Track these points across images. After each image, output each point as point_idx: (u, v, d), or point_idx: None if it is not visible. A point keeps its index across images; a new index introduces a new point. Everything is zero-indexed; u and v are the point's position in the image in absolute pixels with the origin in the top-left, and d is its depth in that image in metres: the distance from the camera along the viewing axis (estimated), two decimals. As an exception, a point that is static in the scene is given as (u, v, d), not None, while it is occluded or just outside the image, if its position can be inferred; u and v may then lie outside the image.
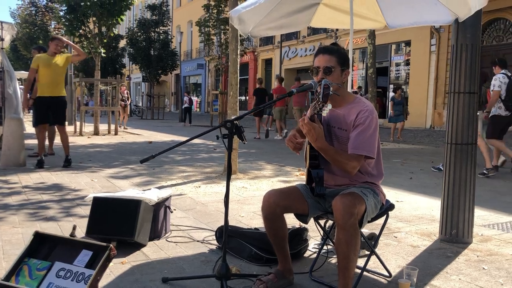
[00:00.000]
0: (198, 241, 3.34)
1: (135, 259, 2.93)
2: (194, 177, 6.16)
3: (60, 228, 3.57)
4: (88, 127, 14.47)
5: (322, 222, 2.85)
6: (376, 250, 2.85)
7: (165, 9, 30.42)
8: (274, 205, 2.43)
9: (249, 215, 4.11)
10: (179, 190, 5.23)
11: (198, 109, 38.73)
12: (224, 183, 5.58)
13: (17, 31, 26.24)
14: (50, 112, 6.77)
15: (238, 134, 2.40)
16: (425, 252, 3.20)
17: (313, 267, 2.75)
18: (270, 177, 6.33)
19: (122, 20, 13.70)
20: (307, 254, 3.11)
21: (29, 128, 13.45)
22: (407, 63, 20.16)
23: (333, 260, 2.96)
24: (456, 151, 3.37)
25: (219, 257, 2.50)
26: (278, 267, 2.57)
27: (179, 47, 27.59)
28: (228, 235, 2.83)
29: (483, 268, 2.88)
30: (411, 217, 4.18)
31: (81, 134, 12.92)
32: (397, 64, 21.11)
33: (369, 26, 4.55)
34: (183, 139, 12.31)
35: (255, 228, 3.22)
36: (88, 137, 12.35)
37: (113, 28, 13.90)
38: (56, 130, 7.07)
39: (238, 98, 6.38)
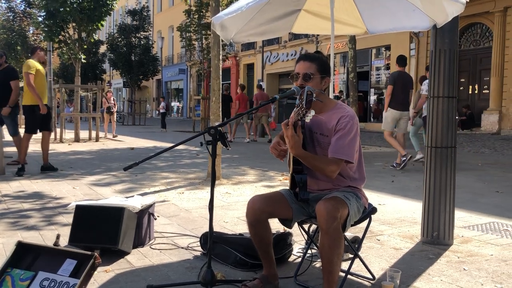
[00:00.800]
0: (182, 247, 3.33)
1: (119, 267, 2.91)
2: (177, 184, 6.13)
3: (42, 237, 3.52)
4: (69, 134, 14.28)
5: (306, 226, 2.88)
6: (360, 253, 2.88)
7: (145, 14, 30.27)
8: (258, 211, 2.45)
9: (233, 221, 4.11)
10: (163, 196, 5.21)
11: (180, 115, 38.59)
12: (208, 189, 5.57)
13: (-6, 37, 25.80)
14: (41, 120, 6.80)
15: (222, 140, 2.41)
16: (408, 255, 3.25)
17: (297, 271, 2.76)
18: (254, 182, 6.34)
19: (102, 25, 13.59)
20: (291, 258, 3.13)
21: (8, 136, 13.20)
22: (387, 67, 20.46)
23: (318, 264, 2.98)
24: (436, 154, 3.44)
25: (204, 264, 2.50)
26: (263, 272, 2.58)
27: (160, 52, 27.54)
28: (213, 241, 2.83)
29: (464, 269, 2.94)
30: (393, 220, 4.23)
31: (61, 141, 12.74)
32: (378, 68, 21.41)
33: (349, 32, 4.62)
34: (166, 145, 12.25)
35: (240, 234, 3.22)
36: (69, 144, 12.19)
37: (93, 34, 13.78)
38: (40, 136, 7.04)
39: (221, 103, 6.38)
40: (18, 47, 24.34)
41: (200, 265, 2.91)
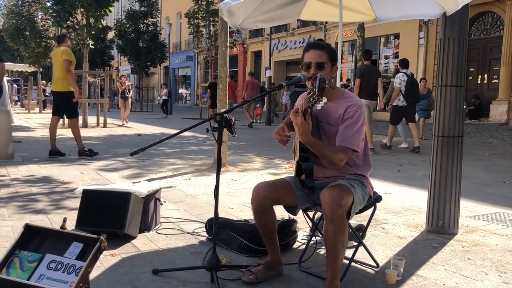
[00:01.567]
0: (188, 233, 3.36)
1: (125, 251, 2.94)
2: (184, 170, 6.16)
3: (50, 221, 3.57)
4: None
5: (310, 213, 2.89)
6: (364, 241, 2.90)
7: (153, 0, 30.14)
8: (263, 198, 2.46)
9: (238, 207, 4.14)
10: (169, 182, 5.24)
11: (188, 102, 38.60)
12: (214, 176, 5.59)
13: (3, 22, 25.86)
14: None
15: (227, 127, 2.41)
16: (412, 243, 3.26)
17: (302, 258, 2.78)
18: (260, 169, 6.36)
19: (110, 11, 13.55)
20: (296, 245, 3.15)
21: (17, 121, 13.28)
22: (396, 56, 20.26)
23: (322, 251, 3.00)
24: (443, 143, 3.42)
25: (209, 249, 2.53)
26: (267, 258, 2.61)
27: (168, 39, 27.43)
28: (218, 227, 2.85)
29: (468, 258, 2.94)
30: (399, 209, 4.24)
31: (69, 126, 12.79)
32: (386, 57, 21.23)
33: (358, 19, 4.58)
34: (173, 131, 12.27)
35: (245, 220, 3.25)
36: (77, 130, 12.25)
37: (101, 20, 13.75)
38: (66, 123, 7.49)
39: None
40: (27, 32, 24.32)
41: (205, 250, 2.93)
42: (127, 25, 29.34)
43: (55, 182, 5.11)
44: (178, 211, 3.98)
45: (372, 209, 2.65)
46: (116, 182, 4.80)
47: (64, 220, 1.98)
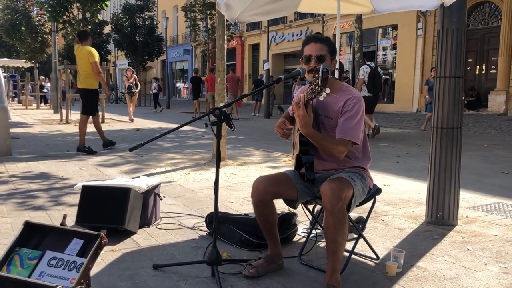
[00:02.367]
0: (188, 227, 3.36)
1: (125, 246, 2.95)
2: (183, 164, 6.16)
3: (50, 217, 3.57)
4: (75, 115, 14.33)
5: (310, 207, 2.89)
6: (364, 233, 2.90)
7: (150, -6, 30.00)
8: (263, 192, 2.46)
9: (238, 201, 4.14)
10: (168, 177, 5.24)
11: (185, 95, 38.51)
12: (213, 170, 5.60)
13: (-2, 17, 25.66)
14: None
15: (226, 121, 2.41)
16: (412, 235, 3.27)
17: (302, 251, 2.79)
18: (259, 163, 6.36)
19: (106, 5, 13.50)
20: (296, 238, 3.15)
21: (14, 117, 13.25)
22: (394, 47, 20.23)
23: (322, 244, 3.01)
24: (442, 135, 3.42)
25: (209, 243, 2.53)
26: (268, 252, 2.61)
27: (165, 33, 27.29)
28: (218, 221, 2.85)
29: (468, 249, 2.95)
30: (398, 201, 4.24)
31: (67, 122, 12.79)
32: (384, 48, 21.18)
33: (356, 11, 4.57)
34: (171, 126, 12.26)
35: (245, 214, 3.25)
36: (75, 125, 12.23)
37: (98, 14, 13.71)
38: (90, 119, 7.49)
39: (226, 84, 6.35)
40: (23, 28, 24.22)
41: (205, 245, 2.94)
42: (124, 19, 29.21)
43: (54, 178, 5.10)
44: (178, 206, 3.98)
45: (372, 201, 2.65)
46: (115, 177, 4.79)
47: (64, 216, 1.98)
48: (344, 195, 2.23)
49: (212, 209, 3.14)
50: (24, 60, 25.59)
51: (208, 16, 20.32)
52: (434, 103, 3.48)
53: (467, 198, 4.28)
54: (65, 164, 6.02)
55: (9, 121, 7.00)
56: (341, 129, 2.38)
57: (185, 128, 11.57)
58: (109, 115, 15.73)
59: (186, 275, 2.49)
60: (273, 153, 7.32)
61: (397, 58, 19.84)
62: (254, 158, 6.78)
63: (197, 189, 4.62)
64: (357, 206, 2.48)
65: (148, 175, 5.12)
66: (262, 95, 18.62)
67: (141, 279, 2.45)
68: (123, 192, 3.12)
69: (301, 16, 24.40)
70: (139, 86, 15.87)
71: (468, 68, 16.87)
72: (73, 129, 11.25)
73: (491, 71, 16.67)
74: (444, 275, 2.53)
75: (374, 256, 2.76)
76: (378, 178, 5.08)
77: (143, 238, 3.11)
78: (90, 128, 7.53)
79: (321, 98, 2.15)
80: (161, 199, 3.64)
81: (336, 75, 3.32)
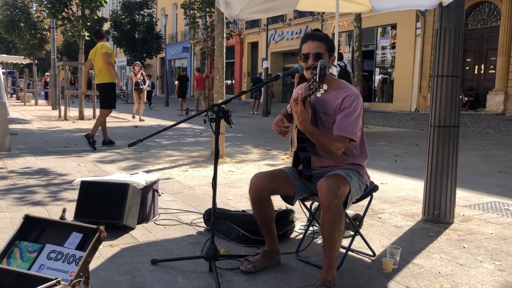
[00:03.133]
0: (186, 223, 3.38)
1: (124, 242, 2.96)
2: (181, 161, 6.17)
3: (48, 212, 3.58)
4: (73, 112, 14.32)
5: (308, 203, 2.91)
6: (361, 230, 2.92)
7: (149, -9, 29.97)
8: (261, 188, 2.48)
9: (236, 198, 4.16)
10: (167, 174, 5.26)
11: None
12: (211, 167, 5.62)
13: (-3, 13, 25.59)
14: None
15: (225, 118, 2.42)
16: (408, 232, 3.29)
17: (299, 247, 2.81)
18: (257, 160, 6.37)
19: (105, 2, 13.47)
20: (293, 235, 3.17)
21: (13, 113, 13.24)
22: (393, 46, 20.26)
23: (319, 240, 3.03)
24: (439, 133, 3.44)
25: (207, 239, 2.55)
26: (265, 248, 2.63)
27: (164, 30, 27.29)
28: (216, 218, 2.87)
29: (464, 246, 2.98)
30: (395, 199, 4.27)
31: (65, 118, 12.79)
32: (383, 48, 21.21)
33: (355, 10, 4.58)
34: (169, 123, 12.27)
35: (243, 211, 3.27)
36: (73, 122, 12.24)
37: (97, 11, 13.67)
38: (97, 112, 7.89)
39: (225, 82, 6.37)
40: (22, 24, 24.16)
41: (203, 241, 2.96)
42: (123, 16, 29.19)
43: (53, 174, 5.11)
44: (176, 202, 4.00)
45: (368, 198, 2.67)
46: (114, 173, 4.80)
47: (64, 210, 1.99)
48: (341, 191, 2.25)
49: (210, 206, 3.16)
50: (23, 57, 25.52)
51: (208, 14, 20.30)
52: (431, 101, 3.51)
53: (463, 197, 4.31)
54: (64, 160, 6.03)
55: (8, 117, 7.00)
56: (339, 126, 2.40)
57: (183, 125, 11.58)
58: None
59: (184, 270, 2.51)
60: (271, 151, 7.34)
61: (396, 57, 19.87)
62: (252, 156, 6.79)
63: (195, 186, 4.63)
64: (354, 203, 2.50)
65: (146, 172, 5.13)
66: (260, 93, 18.64)
67: (139, 273, 2.47)
68: (122, 188, 3.14)
69: (300, 14, 24.42)
70: (147, 82, 15.14)
71: (467, 68, 16.91)
72: (72, 125, 11.26)
73: (489, 71, 16.72)
74: (439, 272, 2.55)
75: (371, 253, 2.78)
76: (375, 176, 5.11)
77: (141, 234, 3.13)
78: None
79: (318, 94, 2.16)
80: (160, 195, 3.66)
81: (335, 71, 3.34)
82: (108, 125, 8.17)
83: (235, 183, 4.83)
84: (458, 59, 3.39)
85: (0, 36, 29.95)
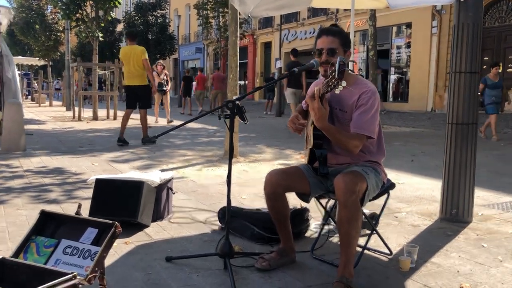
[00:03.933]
0: (200, 222, 3.37)
1: (138, 239, 2.96)
2: (194, 161, 6.18)
3: (63, 210, 3.60)
4: (87, 112, 14.44)
5: (323, 201, 2.88)
6: (377, 229, 2.88)
7: (162, -8, 30.13)
8: (276, 184, 2.46)
9: (250, 197, 4.14)
10: (180, 173, 5.26)
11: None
12: (225, 167, 5.59)
13: (13, 15, 25.99)
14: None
15: (239, 114, 2.40)
16: (426, 231, 3.24)
17: (314, 245, 2.78)
18: (271, 160, 6.35)
19: (119, 3, 13.57)
20: (308, 234, 3.14)
21: (27, 114, 13.40)
22: (408, 45, 20.04)
23: (335, 239, 2.99)
24: (457, 131, 3.38)
25: (221, 237, 2.53)
26: (280, 245, 2.61)
27: (177, 31, 27.41)
28: (231, 216, 2.85)
29: (483, 245, 2.92)
30: (412, 198, 4.21)
31: (80, 119, 12.90)
32: (398, 47, 21.00)
33: (370, 6, 4.53)
34: (180, 122, 12.29)
35: (257, 209, 3.24)
36: (87, 122, 12.34)
37: (111, 12, 13.78)
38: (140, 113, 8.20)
39: (238, 81, 6.35)
40: (37, 26, 24.50)
41: (217, 239, 2.93)
42: (136, 18, 29.37)
43: (67, 173, 5.15)
44: (190, 201, 3.99)
45: (385, 196, 2.63)
46: (128, 172, 4.82)
47: (79, 206, 1.99)
48: (358, 188, 2.21)
49: (224, 204, 3.15)
50: (38, 58, 25.87)
51: (220, 14, 20.35)
52: (449, 98, 3.45)
53: (482, 196, 4.23)
54: (78, 160, 6.08)
55: (23, 117, 7.09)
56: (356, 123, 2.35)
57: (197, 125, 11.60)
58: (121, 112, 15.76)
59: (198, 268, 2.50)
60: (285, 151, 7.31)
61: (411, 56, 19.66)
62: (266, 155, 6.77)
63: (209, 185, 4.62)
64: (370, 200, 2.46)
65: (160, 171, 5.14)
66: (274, 94, 18.60)
67: (154, 270, 2.46)
68: (136, 186, 3.14)
69: (314, 13, 24.31)
70: (170, 83, 13.79)
71: (484, 67, 16.66)
72: (86, 125, 11.35)
73: (508, 70, 16.44)
74: (458, 271, 2.50)
75: (387, 252, 2.74)
76: (391, 176, 4.99)
77: (155, 232, 3.13)
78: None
79: (337, 91, 2.13)
80: (174, 194, 3.66)
81: (351, 67, 3.30)
82: (128, 124, 8.37)
83: (249, 182, 4.81)
84: (476, 55, 3.33)
85: (16, 38, 30.41)
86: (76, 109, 13.45)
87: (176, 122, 12.23)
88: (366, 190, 2.31)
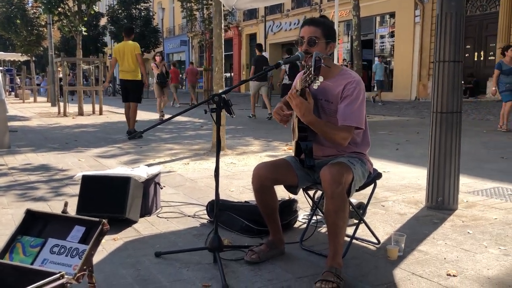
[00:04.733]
0: (189, 216, 3.37)
1: (127, 235, 2.95)
2: (182, 154, 6.15)
3: (50, 208, 3.57)
4: (72, 108, 14.28)
5: (311, 193, 2.90)
6: (365, 218, 2.91)
7: (145, -15, 29.79)
8: (263, 178, 2.46)
9: (238, 190, 4.14)
10: (168, 167, 5.24)
11: (183, 87, 38.41)
12: (213, 160, 5.59)
13: (-7, 10, 25.46)
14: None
15: (226, 107, 2.39)
16: (412, 219, 3.28)
17: (303, 236, 2.79)
18: (258, 152, 6.35)
19: (102, -4, 13.37)
20: (297, 225, 3.16)
21: (12, 110, 13.21)
22: (392, 35, 20.15)
23: (323, 229, 3.02)
24: (441, 119, 3.42)
25: (211, 230, 2.53)
26: (269, 238, 2.62)
27: (161, 24, 27.18)
28: (219, 209, 2.85)
29: (468, 232, 2.96)
30: (398, 187, 4.25)
31: (65, 114, 12.75)
32: (382, 37, 21.10)
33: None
34: (167, 116, 12.22)
35: (245, 202, 3.25)
36: (73, 118, 12.21)
37: (93, 6, 13.58)
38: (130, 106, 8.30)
39: (224, 74, 6.33)
40: (18, 21, 24.05)
41: (207, 232, 2.94)
42: (120, 11, 29.01)
43: (54, 170, 5.09)
44: (178, 195, 3.98)
45: (372, 186, 2.65)
46: (115, 168, 4.78)
47: (66, 204, 1.97)
48: (344, 179, 2.22)
49: (212, 198, 3.14)
50: (20, 54, 25.43)
51: (205, 6, 20.18)
52: (433, 88, 3.48)
53: (467, 183, 4.29)
54: (64, 156, 6.02)
55: (7, 114, 6.98)
56: (343, 115, 2.35)
57: (183, 118, 11.55)
58: (107, 107, 15.65)
59: (188, 262, 2.50)
60: (272, 142, 7.32)
61: (395, 46, 19.77)
62: (253, 148, 6.77)
63: (197, 179, 4.62)
64: (357, 190, 2.47)
65: (147, 166, 5.11)
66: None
67: (143, 266, 2.46)
68: (123, 181, 3.12)
69: (298, 4, 24.28)
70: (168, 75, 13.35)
71: (466, 55, 16.81)
72: (71, 121, 11.23)
73: (489, 58, 16.63)
74: (445, 258, 2.54)
75: (375, 241, 2.77)
76: (377, 165, 5.05)
77: (144, 227, 3.12)
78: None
79: (315, 86, 2.12)
80: (162, 188, 3.64)
81: (335, 61, 3.30)
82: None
83: (236, 175, 4.81)
84: (459, 44, 3.35)
85: (-4, 34, 29.82)
86: (62, 104, 13.28)
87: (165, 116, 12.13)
88: (352, 180, 2.32)
